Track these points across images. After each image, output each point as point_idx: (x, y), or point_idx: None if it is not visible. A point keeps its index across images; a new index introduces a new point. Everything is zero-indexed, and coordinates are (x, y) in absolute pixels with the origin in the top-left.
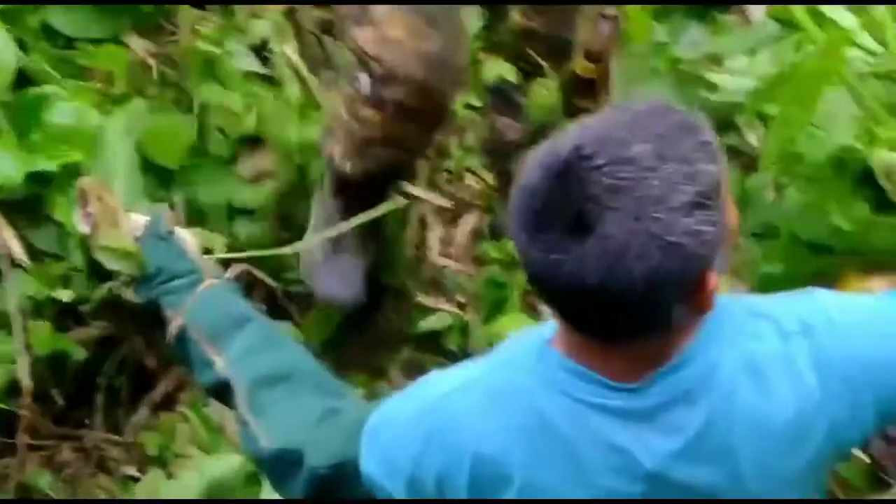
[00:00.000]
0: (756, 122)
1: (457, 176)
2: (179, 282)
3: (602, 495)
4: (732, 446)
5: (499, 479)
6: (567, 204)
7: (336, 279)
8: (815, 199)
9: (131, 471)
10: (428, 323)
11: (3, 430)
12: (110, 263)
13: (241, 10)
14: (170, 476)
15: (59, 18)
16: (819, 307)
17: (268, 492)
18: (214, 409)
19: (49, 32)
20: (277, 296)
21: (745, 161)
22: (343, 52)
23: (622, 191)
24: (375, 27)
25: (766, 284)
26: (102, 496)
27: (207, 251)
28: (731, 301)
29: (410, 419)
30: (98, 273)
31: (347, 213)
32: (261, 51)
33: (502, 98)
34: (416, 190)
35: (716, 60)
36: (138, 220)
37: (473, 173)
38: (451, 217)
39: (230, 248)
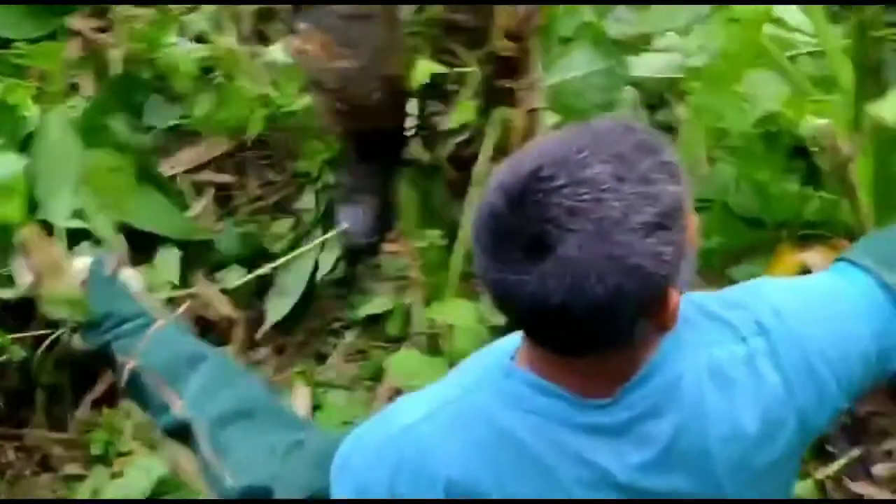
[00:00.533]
0: (686, 98)
1: None
2: (129, 325)
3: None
4: (705, 451)
5: (477, 498)
6: (526, 226)
7: (350, 219)
8: (746, 172)
9: (75, 469)
10: (369, 307)
11: None
12: (56, 312)
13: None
14: (115, 475)
15: None
16: (767, 302)
17: None
18: (168, 450)
19: None
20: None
21: (676, 137)
22: None
23: (581, 213)
24: (300, 38)
25: (703, 258)
26: (47, 496)
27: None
28: (682, 303)
29: (381, 445)
30: None
31: (360, 164)
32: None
33: (433, 89)
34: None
35: (645, 39)
36: (82, 264)
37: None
38: None
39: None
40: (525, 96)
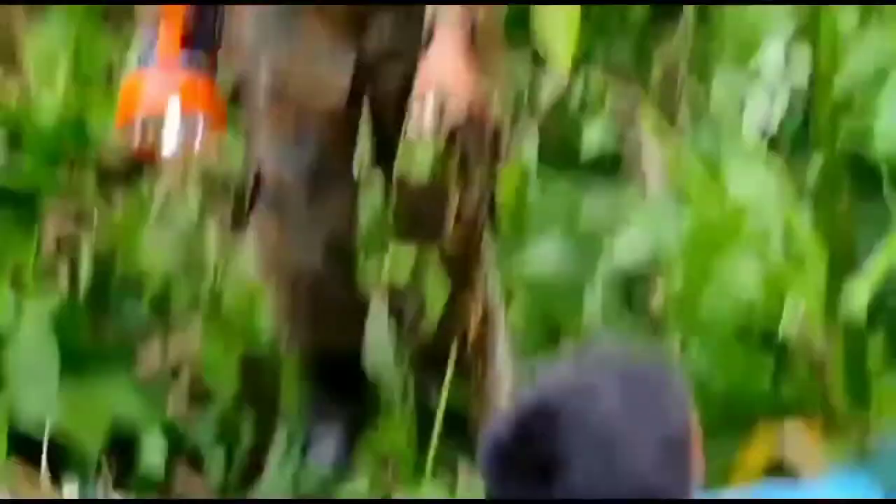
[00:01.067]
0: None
1: None
2: None
3: None
4: None
5: None
6: (532, 455)
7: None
8: (720, 359)
9: None
10: None
11: None
12: None
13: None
14: None
15: None
16: None
17: None
18: None
19: None
20: None
21: (651, 326)
22: None
23: (588, 443)
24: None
25: None
26: None
27: None
28: None
29: None
30: None
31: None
32: None
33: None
34: None
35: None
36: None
37: None
38: None
39: None
40: (476, 302)
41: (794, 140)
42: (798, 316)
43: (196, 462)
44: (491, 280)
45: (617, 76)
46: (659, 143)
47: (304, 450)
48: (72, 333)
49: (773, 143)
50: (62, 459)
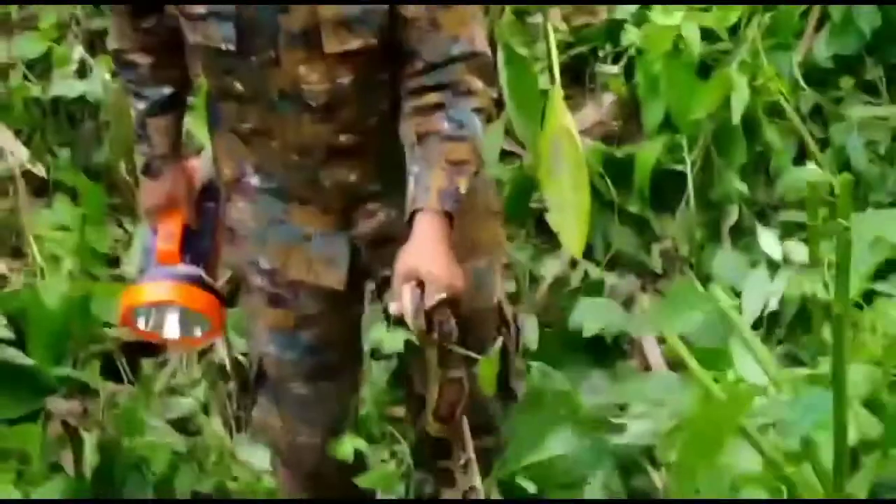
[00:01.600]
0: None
1: None
2: None
3: None
4: None
5: None
6: None
7: None
8: None
9: None
10: None
11: None
12: None
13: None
14: None
15: None
16: None
17: None
18: None
19: None
20: None
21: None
22: None
23: None
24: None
25: None
26: None
27: None
28: None
29: None
30: None
31: None
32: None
33: None
34: None
35: (619, 406)
36: None
37: None
38: None
39: None
40: (461, 477)
41: (794, 319)
42: None
43: None
44: (471, 466)
45: (617, 264)
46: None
47: None
48: None
49: (773, 323)
50: None
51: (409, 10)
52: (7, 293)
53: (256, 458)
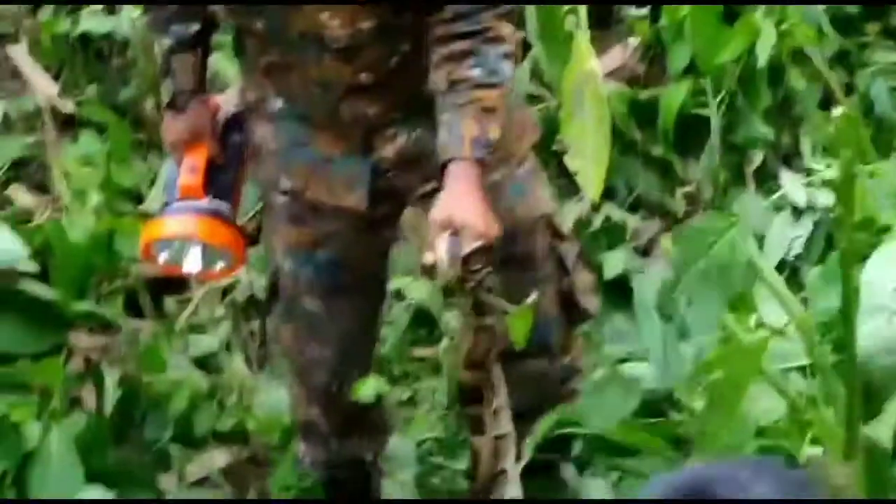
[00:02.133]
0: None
1: None
2: None
3: None
4: None
5: None
6: None
7: None
8: None
9: None
10: None
11: None
12: None
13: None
14: None
15: None
16: None
17: None
18: None
19: None
20: None
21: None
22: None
23: None
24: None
25: None
26: None
27: None
28: None
29: None
30: None
31: None
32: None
33: None
34: None
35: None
36: None
37: None
38: None
39: None
40: (490, 422)
41: (818, 264)
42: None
43: None
44: (502, 413)
45: (639, 207)
46: None
47: None
48: (97, 453)
49: (797, 268)
50: None
51: None
52: (32, 227)
53: (277, 396)
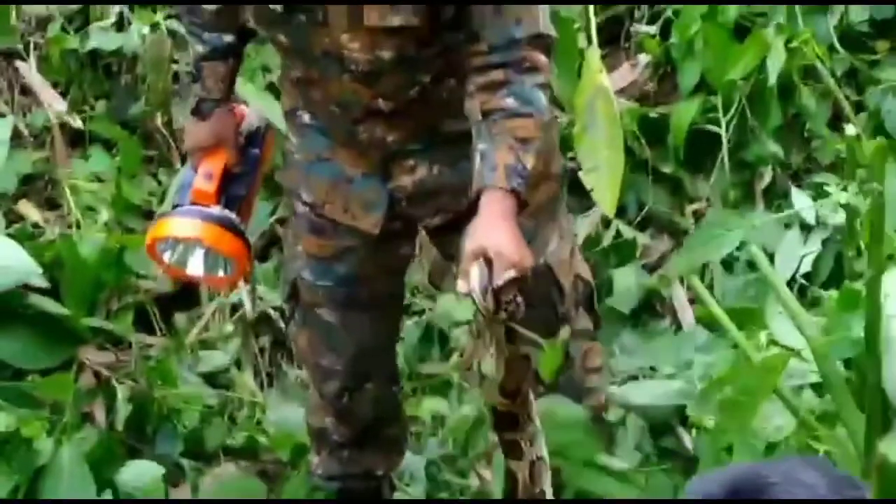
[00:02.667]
0: (692, 427)
1: None
2: None
3: None
4: None
5: None
6: None
7: None
8: None
9: None
10: None
11: None
12: None
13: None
14: None
15: (5, 350)
16: None
17: None
18: None
19: None
20: None
21: (683, 464)
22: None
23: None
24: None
25: None
26: None
27: None
28: None
29: None
30: None
31: None
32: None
33: None
34: None
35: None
36: None
37: None
38: None
39: None
40: (527, 448)
41: (829, 280)
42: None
43: None
44: (538, 438)
45: (649, 224)
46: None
47: None
48: (109, 468)
49: (805, 286)
50: None
51: None
52: (43, 243)
53: (287, 412)
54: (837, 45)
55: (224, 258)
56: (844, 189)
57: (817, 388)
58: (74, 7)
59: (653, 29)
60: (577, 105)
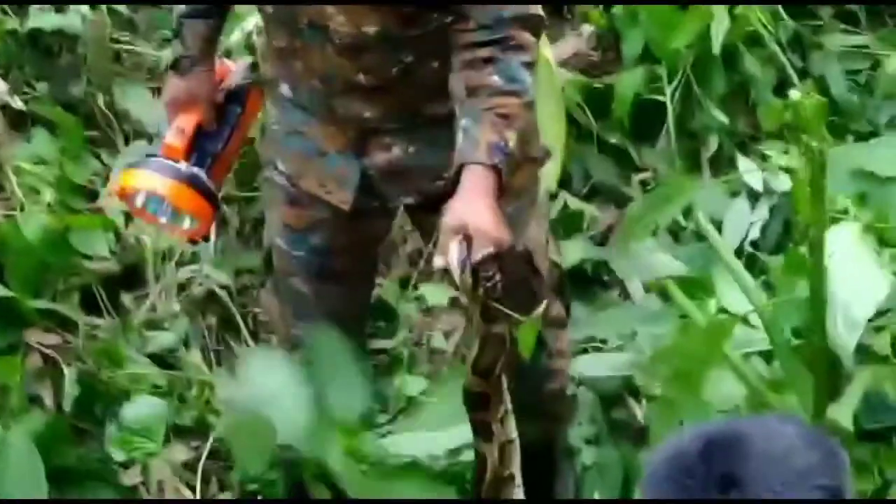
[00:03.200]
0: (642, 397)
1: None
2: None
3: None
4: None
5: None
6: (715, 469)
7: None
8: None
9: None
10: None
11: None
12: None
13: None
14: None
15: None
16: None
17: None
18: None
19: None
20: None
21: (634, 434)
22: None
23: (768, 469)
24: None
25: None
26: None
27: None
28: None
29: None
30: None
31: None
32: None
33: None
34: None
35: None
36: None
37: None
38: None
39: None
40: (498, 429)
41: (777, 247)
42: None
43: None
44: (509, 419)
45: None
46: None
47: None
48: (58, 451)
49: (754, 254)
50: None
51: None
52: None
53: (236, 391)
54: (782, 12)
55: (185, 215)
56: (786, 153)
57: (767, 356)
58: None
59: None
60: None
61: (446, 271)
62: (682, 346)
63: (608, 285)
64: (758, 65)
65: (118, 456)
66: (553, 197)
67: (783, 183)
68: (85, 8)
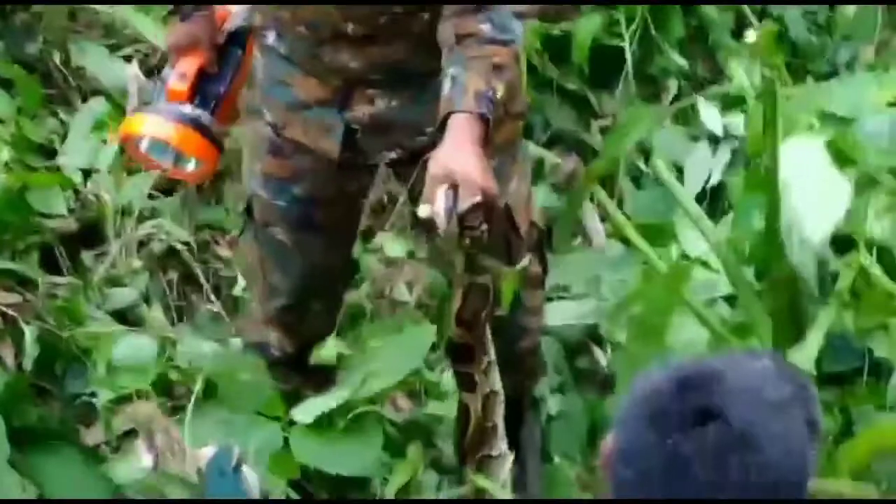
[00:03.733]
0: (606, 345)
1: None
2: None
3: None
4: None
5: None
6: (692, 403)
7: None
8: None
9: None
10: None
11: None
12: (173, 492)
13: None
14: None
15: None
16: None
17: None
18: None
19: None
20: None
21: (599, 383)
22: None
23: (744, 401)
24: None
25: None
26: None
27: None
28: None
29: None
30: None
31: None
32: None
33: None
34: None
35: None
36: (203, 453)
37: None
38: None
39: None
40: (481, 381)
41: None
42: None
43: None
44: (492, 370)
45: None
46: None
47: None
48: (19, 410)
49: (715, 198)
50: None
51: None
52: None
53: (198, 347)
54: None
55: (190, 157)
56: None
57: (731, 301)
58: None
59: None
60: None
61: (431, 219)
62: (644, 292)
63: (570, 232)
64: (715, 8)
65: (105, 395)
66: None
67: (743, 126)
68: None
